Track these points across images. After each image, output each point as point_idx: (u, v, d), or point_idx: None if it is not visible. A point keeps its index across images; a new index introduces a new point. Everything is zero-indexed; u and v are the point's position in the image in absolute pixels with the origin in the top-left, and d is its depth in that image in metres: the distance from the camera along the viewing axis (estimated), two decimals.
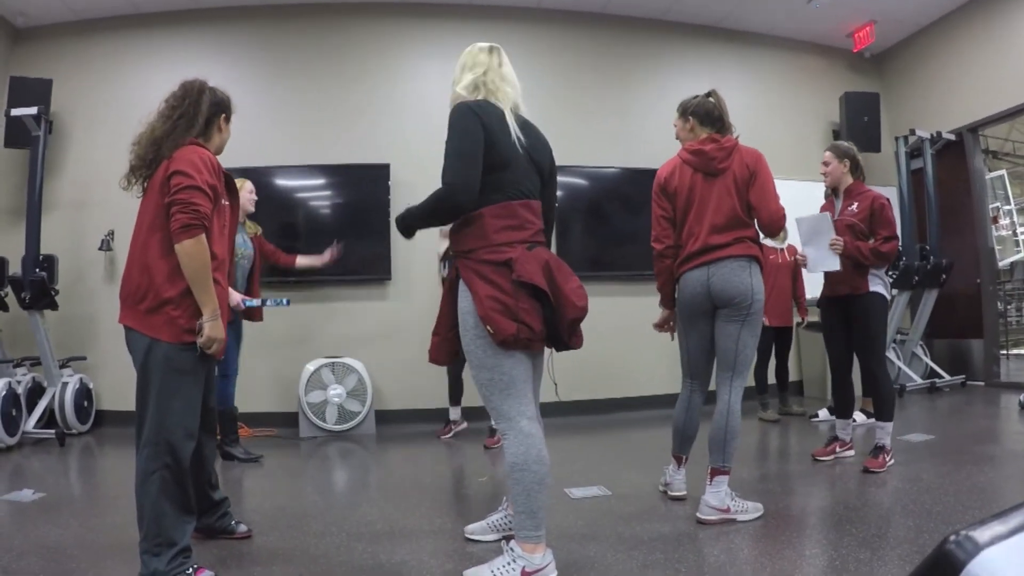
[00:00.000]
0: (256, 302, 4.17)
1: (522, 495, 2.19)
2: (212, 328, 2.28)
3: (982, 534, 0.56)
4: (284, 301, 4.28)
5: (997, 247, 7.25)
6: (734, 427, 2.91)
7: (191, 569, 2.23)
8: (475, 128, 2.24)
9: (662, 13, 6.99)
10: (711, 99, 3.10)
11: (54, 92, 5.82)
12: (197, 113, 2.42)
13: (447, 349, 2.46)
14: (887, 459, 3.64)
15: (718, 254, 2.92)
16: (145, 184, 2.39)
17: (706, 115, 3.07)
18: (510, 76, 2.46)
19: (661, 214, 3.12)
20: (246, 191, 4.37)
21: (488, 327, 2.17)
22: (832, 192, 4.01)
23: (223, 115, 2.56)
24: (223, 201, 2.44)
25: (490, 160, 2.24)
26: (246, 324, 4.43)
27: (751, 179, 2.94)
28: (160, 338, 2.25)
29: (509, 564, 2.20)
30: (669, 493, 3.28)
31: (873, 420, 3.82)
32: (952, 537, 0.57)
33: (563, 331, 2.28)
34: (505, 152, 2.28)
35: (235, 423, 4.50)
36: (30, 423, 5.16)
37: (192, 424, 2.32)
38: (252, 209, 4.48)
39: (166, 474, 2.23)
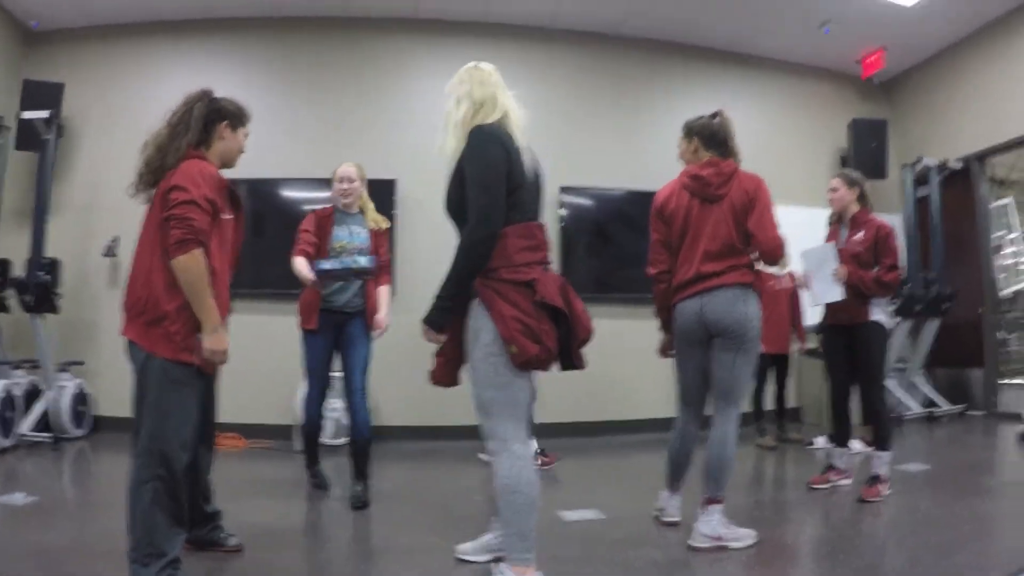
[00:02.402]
0: (327, 264, 3.55)
1: (513, 517, 2.18)
2: (211, 341, 2.29)
3: None
4: (362, 260, 3.62)
5: (1001, 276, 7.22)
6: (728, 457, 2.89)
7: None
8: (499, 156, 2.25)
9: (671, 36, 7.03)
10: (716, 120, 3.08)
11: (66, 96, 5.85)
12: (191, 120, 2.43)
13: (452, 370, 2.44)
14: (884, 488, 3.61)
15: (711, 283, 2.89)
16: (151, 193, 2.40)
17: (711, 137, 3.05)
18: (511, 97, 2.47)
19: (658, 238, 3.11)
20: (335, 181, 3.86)
21: (512, 347, 2.16)
22: (837, 219, 4.01)
23: (224, 122, 2.52)
24: (224, 215, 2.44)
25: (510, 183, 2.26)
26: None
27: (750, 206, 2.91)
28: (156, 352, 2.25)
29: None
30: (662, 519, 3.25)
31: (871, 449, 3.79)
32: None
33: (574, 352, 2.31)
34: (520, 173, 2.30)
35: (312, 446, 4.01)
36: (26, 426, 5.16)
37: (187, 436, 2.31)
38: (345, 200, 3.85)
39: (159, 485, 2.23)
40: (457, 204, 2.32)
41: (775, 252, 2.92)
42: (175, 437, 2.26)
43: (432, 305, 2.27)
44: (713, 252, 2.91)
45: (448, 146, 2.40)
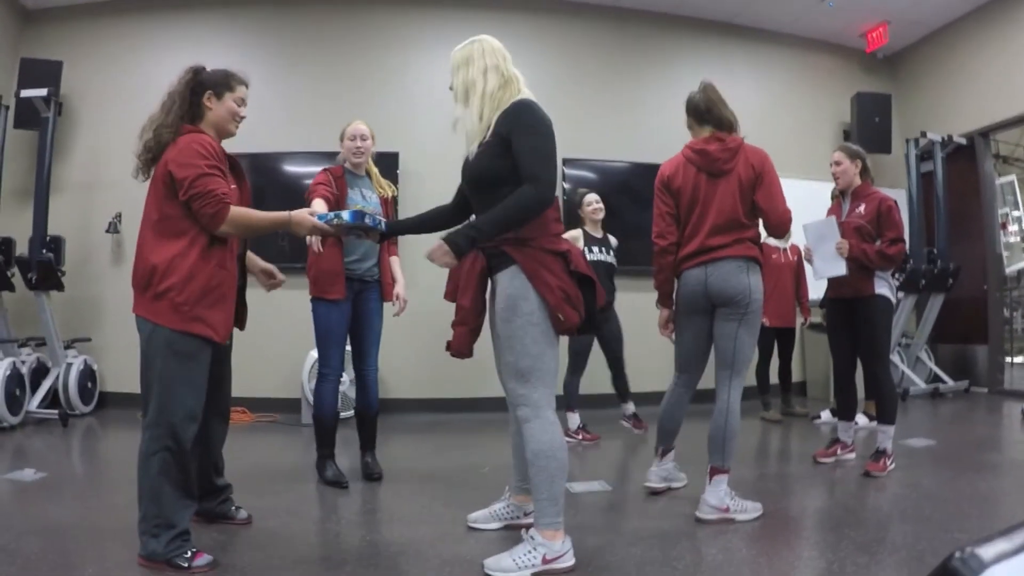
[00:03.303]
0: (329, 214, 2.51)
1: (546, 482, 2.22)
2: (297, 230, 2.43)
3: (987, 551, 0.56)
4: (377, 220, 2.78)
5: (1005, 253, 7.21)
6: (733, 426, 2.90)
7: (189, 552, 2.24)
8: (551, 129, 2.32)
9: (674, 7, 6.96)
10: (699, 95, 3.07)
11: (64, 74, 5.83)
12: (178, 94, 2.44)
13: (472, 341, 2.44)
14: (888, 463, 3.63)
15: (716, 254, 2.92)
16: (151, 171, 2.40)
17: (698, 112, 3.06)
18: None
19: (665, 210, 3.10)
20: (346, 139, 3.71)
21: (559, 315, 2.23)
22: (840, 194, 3.99)
23: (208, 92, 2.49)
24: (229, 186, 2.44)
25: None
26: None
27: (757, 181, 2.92)
28: (161, 323, 2.26)
29: (530, 552, 2.23)
30: (645, 485, 3.30)
31: (875, 423, 3.80)
32: (956, 554, 0.57)
33: (595, 317, 2.38)
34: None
35: (330, 435, 3.63)
36: (34, 403, 5.19)
37: (195, 407, 2.33)
38: (356, 159, 3.69)
39: (167, 456, 2.25)
40: (493, 175, 2.31)
41: (784, 226, 2.95)
42: (181, 408, 2.28)
43: (461, 231, 2.27)
44: (720, 225, 2.92)
45: (473, 117, 2.37)
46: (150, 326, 2.28)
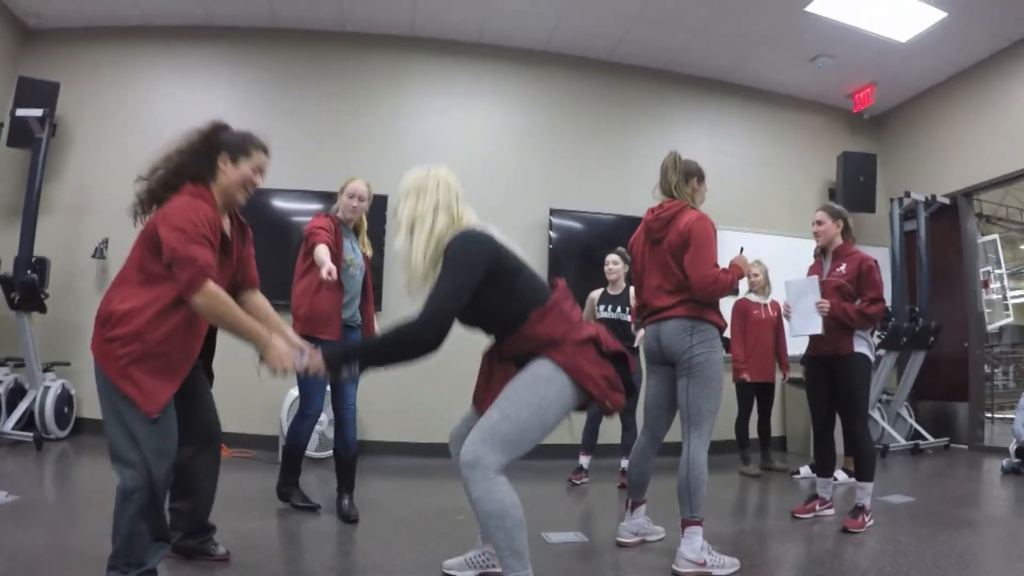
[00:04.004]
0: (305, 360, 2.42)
1: (505, 540, 2.16)
2: (268, 354, 2.22)
3: None
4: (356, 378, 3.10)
5: (987, 311, 7.29)
6: (696, 477, 2.93)
7: None
8: (476, 259, 2.21)
9: (667, 64, 7.12)
10: (663, 163, 3.24)
11: (60, 95, 5.83)
12: (193, 149, 2.37)
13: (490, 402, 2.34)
14: (867, 519, 3.63)
15: (662, 315, 3.12)
16: (144, 216, 2.34)
17: (661, 180, 3.25)
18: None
19: (633, 274, 3.43)
20: (345, 195, 3.89)
21: (607, 403, 2.24)
22: (821, 252, 4.05)
23: (224, 153, 2.40)
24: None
25: (510, 273, 2.26)
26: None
27: (684, 247, 3.05)
28: (102, 367, 2.19)
29: None
30: (616, 539, 3.31)
31: (854, 480, 3.81)
32: None
33: (632, 386, 2.40)
34: (515, 258, 2.31)
35: (298, 464, 3.86)
36: (8, 424, 5.11)
37: (160, 444, 2.22)
38: (351, 216, 3.91)
39: (143, 497, 2.17)
40: (468, 311, 2.24)
41: (705, 289, 3.00)
42: (147, 445, 2.18)
43: (344, 349, 2.31)
44: (658, 287, 3.15)
45: (417, 255, 2.29)
46: (96, 365, 2.21)
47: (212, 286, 2.18)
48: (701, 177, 3.26)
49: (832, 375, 3.85)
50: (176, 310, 2.22)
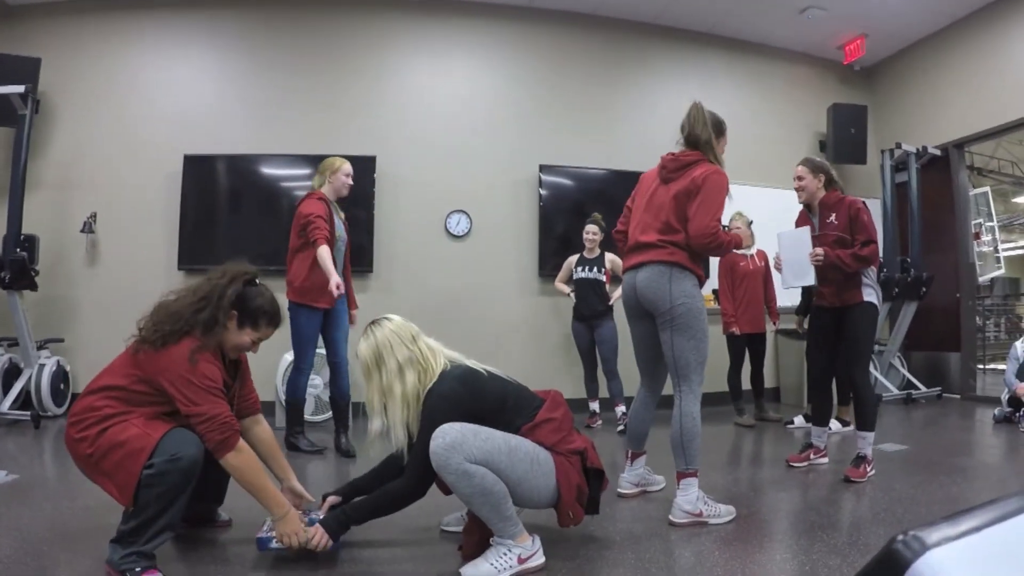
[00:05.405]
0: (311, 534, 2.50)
1: (493, 511, 2.23)
2: (282, 526, 2.32)
3: (930, 535, 0.58)
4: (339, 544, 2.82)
5: (978, 263, 7.32)
6: (689, 429, 2.94)
7: (139, 568, 2.12)
8: (453, 405, 2.32)
9: (654, 17, 7.03)
10: (685, 115, 3.15)
11: (42, 71, 5.76)
12: (218, 305, 2.32)
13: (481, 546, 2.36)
14: (868, 469, 3.65)
15: (642, 256, 3.05)
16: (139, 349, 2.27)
17: (680, 129, 3.17)
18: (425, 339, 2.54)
19: (628, 204, 3.34)
20: (342, 174, 4.38)
21: (569, 512, 2.37)
22: (806, 207, 4.02)
23: (235, 312, 2.37)
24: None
25: (494, 405, 2.40)
26: None
27: (694, 194, 2.97)
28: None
29: (506, 555, 2.26)
30: (616, 491, 3.34)
31: (848, 429, 3.84)
32: (900, 536, 0.58)
33: (597, 503, 2.56)
34: (494, 390, 2.44)
35: (301, 415, 4.53)
36: (5, 404, 5.13)
37: (175, 447, 2.16)
38: (346, 193, 4.45)
39: (177, 478, 2.14)
40: None
41: (703, 238, 2.93)
42: (165, 449, 2.16)
43: (338, 516, 2.37)
44: (649, 223, 3.08)
45: (398, 430, 2.40)
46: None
47: (243, 447, 2.24)
48: (724, 131, 3.23)
49: (839, 325, 3.83)
50: (160, 419, 2.23)
